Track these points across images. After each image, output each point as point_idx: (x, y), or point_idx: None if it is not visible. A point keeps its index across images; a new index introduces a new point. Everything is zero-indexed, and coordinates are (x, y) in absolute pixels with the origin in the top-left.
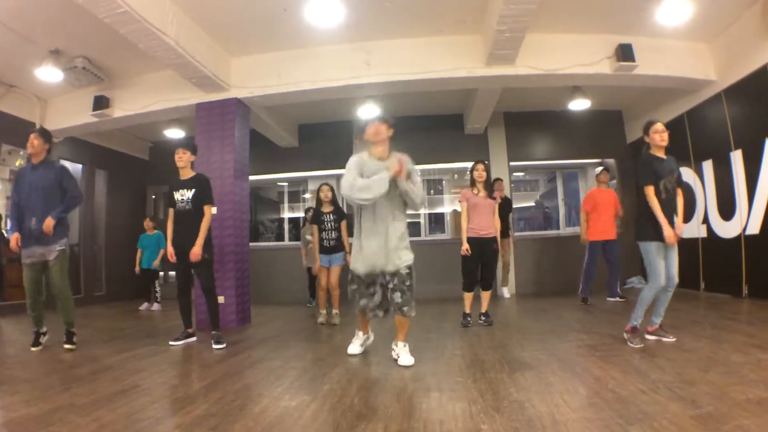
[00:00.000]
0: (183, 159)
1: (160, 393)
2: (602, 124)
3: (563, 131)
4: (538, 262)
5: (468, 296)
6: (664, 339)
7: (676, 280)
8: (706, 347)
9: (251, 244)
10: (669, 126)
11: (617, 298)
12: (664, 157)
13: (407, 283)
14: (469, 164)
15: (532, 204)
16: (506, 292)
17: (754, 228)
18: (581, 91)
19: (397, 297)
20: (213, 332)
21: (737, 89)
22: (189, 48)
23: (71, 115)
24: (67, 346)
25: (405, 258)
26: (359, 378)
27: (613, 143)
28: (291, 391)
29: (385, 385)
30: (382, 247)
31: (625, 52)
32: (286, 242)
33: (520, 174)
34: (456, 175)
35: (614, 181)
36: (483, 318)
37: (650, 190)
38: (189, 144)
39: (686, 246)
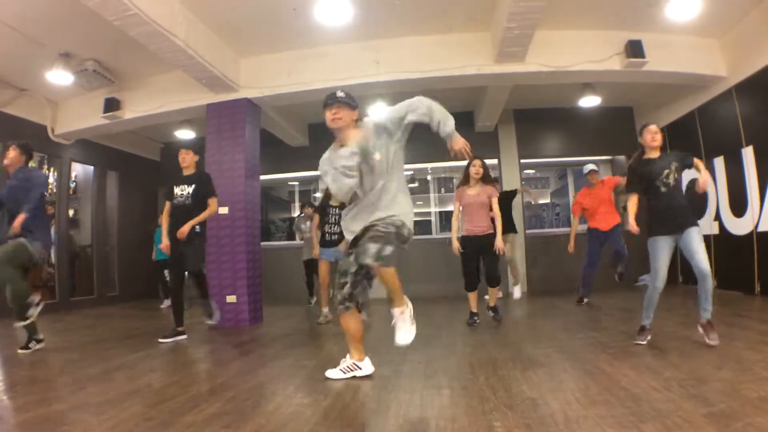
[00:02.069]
0: (186, 160)
1: (174, 392)
2: (613, 120)
3: (574, 128)
4: (548, 260)
5: (471, 296)
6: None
7: (702, 268)
8: (718, 344)
9: (263, 243)
10: (680, 123)
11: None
12: (656, 156)
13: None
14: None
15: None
16: (517, 291)
17: (766, 225)
18: (592, 87)
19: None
20: (204, 302)
21: (748, 85)
22: (198, 49)
23: (82, 117)
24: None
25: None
26: (372, 376)
27: (625, 140)
28: (304, 389)
29: (398, 382)
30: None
31: (634, 49)
32: (297, 241)
33: (531, 171)
34: None
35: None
36: (491, 313)
37: (632, 198)
38: (192, 144)
39: None
